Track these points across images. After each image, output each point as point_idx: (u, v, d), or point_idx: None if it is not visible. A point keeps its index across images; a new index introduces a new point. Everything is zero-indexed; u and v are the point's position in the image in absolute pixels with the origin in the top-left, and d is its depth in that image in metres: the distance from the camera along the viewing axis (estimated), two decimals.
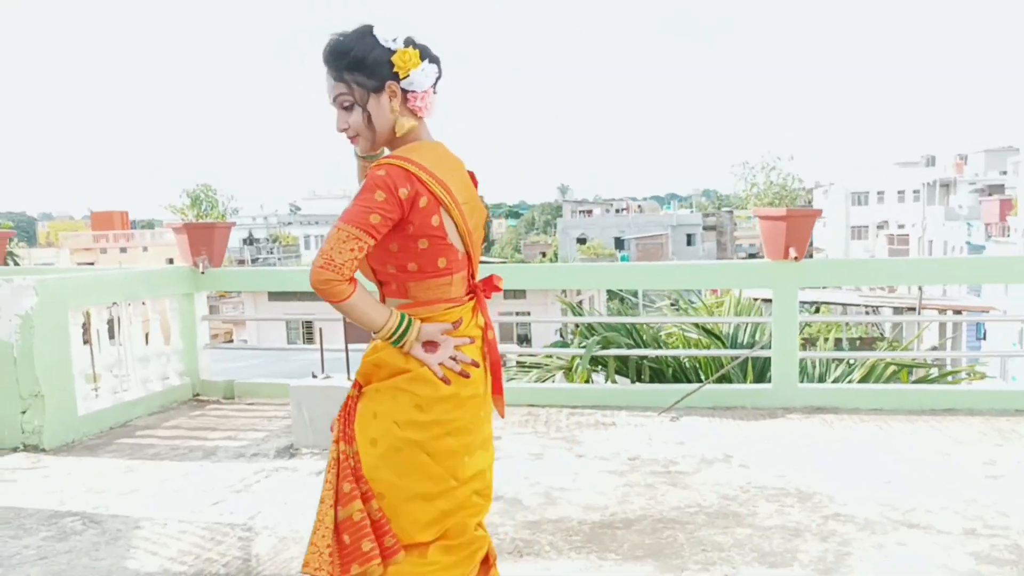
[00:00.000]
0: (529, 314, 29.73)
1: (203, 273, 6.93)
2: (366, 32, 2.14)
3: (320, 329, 5.93)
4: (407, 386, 2.14)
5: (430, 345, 2.14)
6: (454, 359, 2.16)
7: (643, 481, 4.50)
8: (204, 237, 7.02)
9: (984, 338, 32.69)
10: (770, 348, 6.17)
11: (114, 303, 6.38)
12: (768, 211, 6.02)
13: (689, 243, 69.94)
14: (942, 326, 33.41)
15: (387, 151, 2.22)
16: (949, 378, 7.08)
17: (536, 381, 6.89)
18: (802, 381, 6.61)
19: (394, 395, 2.14)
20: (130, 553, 3.65)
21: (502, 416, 2.39)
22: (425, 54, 2.16)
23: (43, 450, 5.34)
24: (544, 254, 73.99)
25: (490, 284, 2.32)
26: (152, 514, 4.12)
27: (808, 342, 9.90)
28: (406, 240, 2.08)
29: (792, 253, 5.93)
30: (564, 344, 8.33)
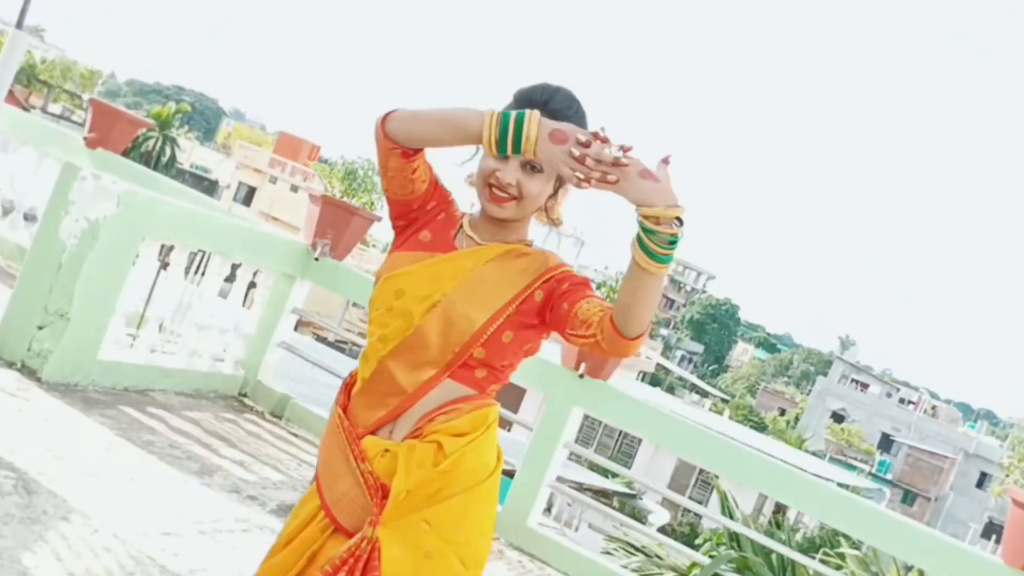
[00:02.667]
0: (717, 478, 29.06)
1: (316, 259, 7.30)
2: (579, 102, 2.39)
3: None
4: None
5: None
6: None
7: None
8: (339, 219, 7.41)
9: None
10: None
11: (202, 251, 6.86)
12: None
13: (980, 485, 65.83)
14: None
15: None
16: None
17: (636, 571, 6.72)
18: None
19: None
20: (34, 544, 3.88)
21: None
22: None
23: (38, 379, 5.78)
24: (783, 412, 72.14)
25: None
26: (92, 512, 4.36)
27: None
28: (537, 341, 2.46)
29: None
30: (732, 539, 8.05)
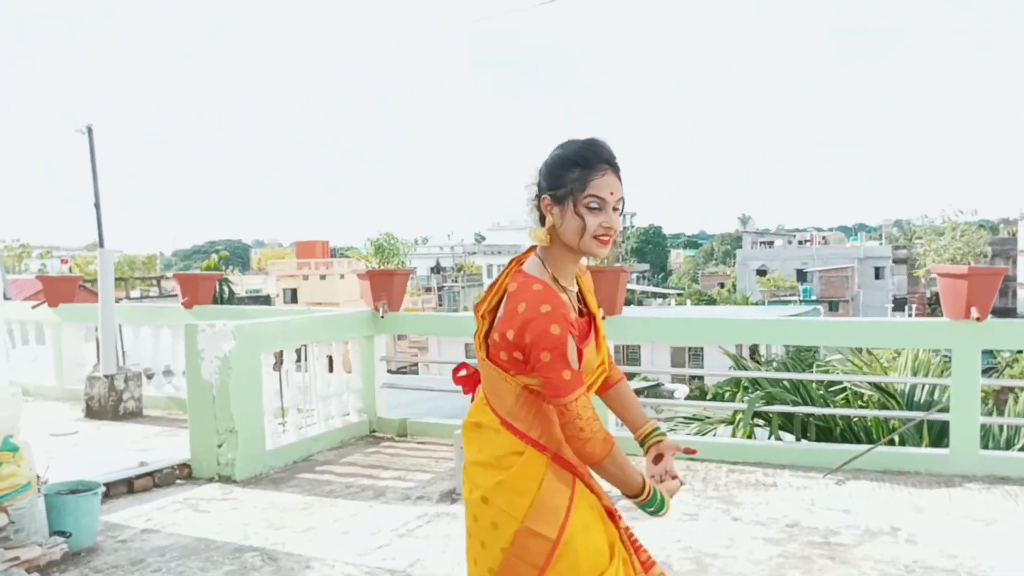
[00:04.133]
0: (702, 349, 29.15)
1: (383, 317, 7.28)
2: None
3: None
4: None
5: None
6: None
7: (800, 552, 4.31)
8: (385, 284, 7.39)
9: None
10: (948, 411, 5.76)
11: (302, 345, 6.83)
12: (948, 269, 5.64)
13: (878, 276, 66.10)
14: None
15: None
16: None
17: (697, 434, 6.74)
18: (986, 447, 6.12)
19: None
20: None
21: None
22: None
23: (234, 481, 5.76)
24: (723, 285, 72.10)
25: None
26: (323, 554, 4.36)
27: (999, 400, 9.14)
28: None
29: (974, 313, 5.52)
30: (737, 385, 8.09)
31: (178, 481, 5.78)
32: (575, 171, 2.13)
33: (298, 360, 7.05)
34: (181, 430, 7.10)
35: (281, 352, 6.69)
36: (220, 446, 5.83)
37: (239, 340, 5.89)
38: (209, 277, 9.13)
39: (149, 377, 8.62)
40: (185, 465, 5.89)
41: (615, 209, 2.15)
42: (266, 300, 41.35)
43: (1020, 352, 12.28)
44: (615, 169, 2.16)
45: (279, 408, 6.64)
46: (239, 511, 5.16)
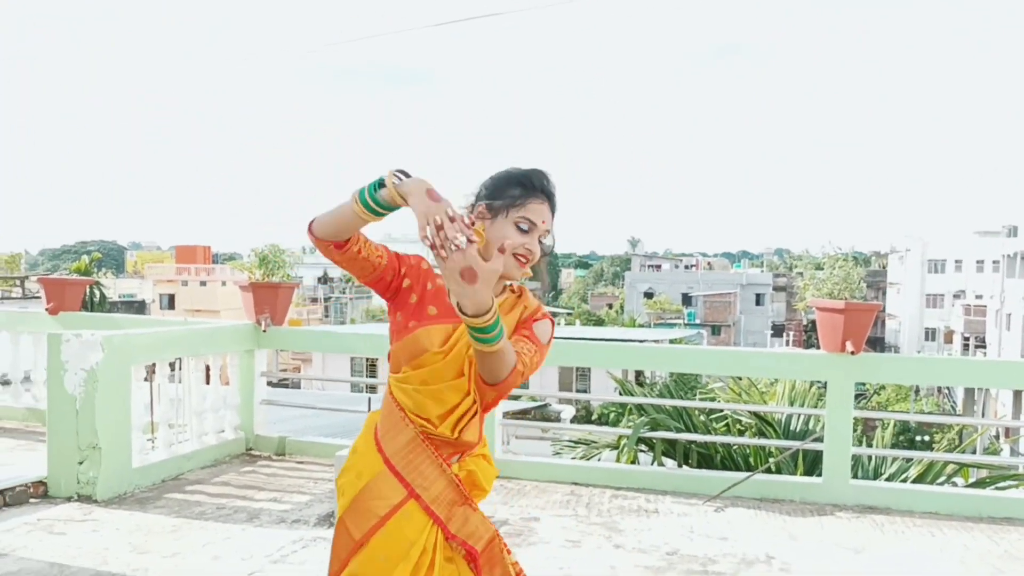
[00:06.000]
0: (590, 370, 29.63)
1: (265, 331, 7.07)
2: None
3: (370, 397, 5.98)
4: None
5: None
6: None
7: None
8: (268, 297, 7.18)
9: None
10: (823, 440, 5.99)
11: (177, 358, 6.55)
12: (826, 303, 5.88)
13: (758, 303, 68.74)
14: (1017, 399, 32.06)
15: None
16: (1011, 481, 6.72)
17: (583, 458, 6.80)
18: (856, 475, 6.39)
19: None
20: None
21: None
22: None
23: (96, 501, 5.46)
24: (611, 306, 73.65)
25: None
26: None
27: (868, 427, 9.60)
28: None
29: (849, 347, 5.77)
30: (622, 407, 8.19)
31: (32, 500, 5.43)
32: (517, 189, 2.22)
33: (172, 371, 6.75)
34: (39, 444, 6.68)
35: (153, 363, 6.40)
36: (81, 463, 5.52)
37: (108, 352, 5.60)
38: (77, 283, 8.66)
39: (6, 384, 8.11)
40: (41, 483, 5.54)
41: (540, 238, 2.24)
42: (141, 305, 39.71)
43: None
44: (552, 204, 2.26)
45: (148, 423, 6.35)
46: (99, 533, 4.88)
